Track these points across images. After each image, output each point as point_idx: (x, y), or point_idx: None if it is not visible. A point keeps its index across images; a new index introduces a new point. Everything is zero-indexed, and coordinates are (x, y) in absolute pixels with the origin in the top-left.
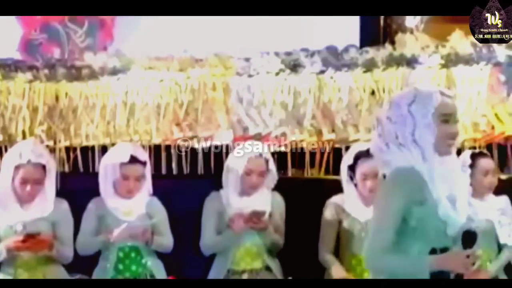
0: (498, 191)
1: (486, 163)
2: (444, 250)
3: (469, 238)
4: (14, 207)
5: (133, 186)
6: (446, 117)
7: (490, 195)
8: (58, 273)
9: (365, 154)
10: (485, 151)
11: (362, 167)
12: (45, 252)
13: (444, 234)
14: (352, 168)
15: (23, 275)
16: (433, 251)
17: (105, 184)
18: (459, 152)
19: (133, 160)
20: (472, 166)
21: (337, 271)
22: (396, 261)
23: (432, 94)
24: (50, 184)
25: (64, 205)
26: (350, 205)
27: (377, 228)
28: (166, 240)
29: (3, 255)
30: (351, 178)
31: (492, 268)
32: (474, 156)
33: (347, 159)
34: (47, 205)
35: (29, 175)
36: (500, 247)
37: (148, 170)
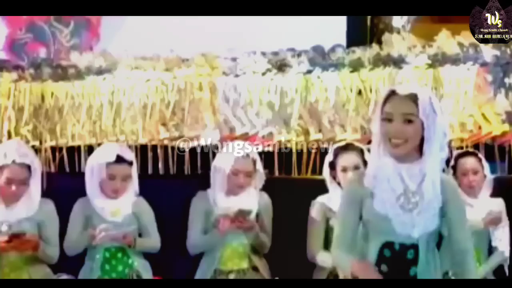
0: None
1: (465, 162)
2: (404, 245)
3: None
4: None
5: (119, 186)
6: (389, 116)
7: (484, 196)
8: (44, 273)
9: (343, 148)
10: (471, 150)
11: (342, 161)
12: (30, 252)
13: (393, 230)
14: (333, 166)
15: (9, 275)
16: (388, 245)
17: (91, 184)
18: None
19: (120, 160)
20: (454, 167)
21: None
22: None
23: (383, 95)
24: (35, 184)
25: (50, 205)
26: (336, 203)
27: (338, 226)
28: (152, 241)
29: None
30: (334, 177)
31: (481, 271)
32: (457, 157)
33: (327, 157)
34: (33, 205)
35: (13, 175)
36: (490, 249)
37: (134, 170)
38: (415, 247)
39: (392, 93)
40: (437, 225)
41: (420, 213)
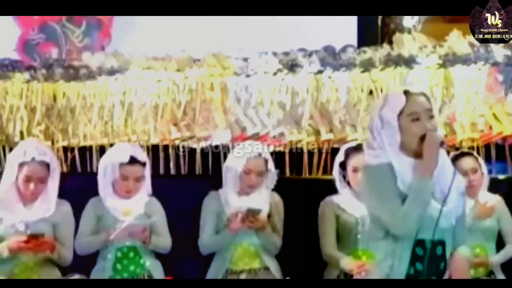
0: (495, 191)
1: (464, 163)
2: (434, 242)
3: None
4: (17, 206)
5: (132, 187)
6: (417, 115)
7: (485, 194)
8: (52, 275)
9: (354, 149)
10: (465, 150)
11: (353, 161)
12: (47, 254)
13: (426, 226)
14: (343, 166)
15: (18, 275)
16: (420, 243)
17: (104, 184)
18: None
19: (133, 160)
20: None
21: (347, 263)
22: (407, 203)
23: (399, 97)
24: (53, 184)
25: (66, 207)
26: (345, 202)
27: (387, 204)
28: (164, 240)
29: (5, 254)
30: (344, 177)
31: (496, 259)
32: (454, 158)
33: (338, 157)
34: (50, 205)
35: (32, 173)
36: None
37: (147, 171)
38: (442, 243)
39: (406, 93)
40: (462, 206)
41: (451, 201)
